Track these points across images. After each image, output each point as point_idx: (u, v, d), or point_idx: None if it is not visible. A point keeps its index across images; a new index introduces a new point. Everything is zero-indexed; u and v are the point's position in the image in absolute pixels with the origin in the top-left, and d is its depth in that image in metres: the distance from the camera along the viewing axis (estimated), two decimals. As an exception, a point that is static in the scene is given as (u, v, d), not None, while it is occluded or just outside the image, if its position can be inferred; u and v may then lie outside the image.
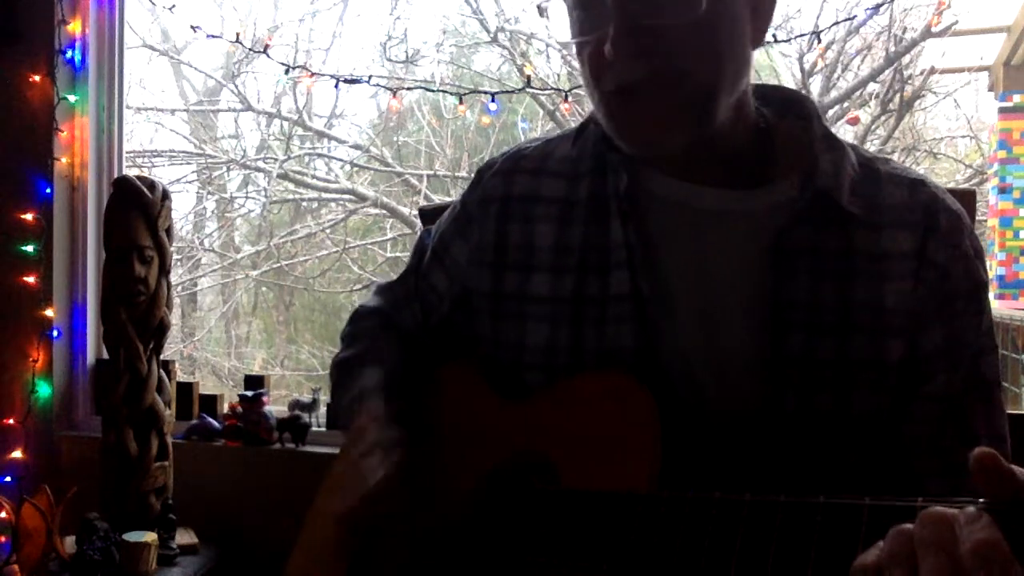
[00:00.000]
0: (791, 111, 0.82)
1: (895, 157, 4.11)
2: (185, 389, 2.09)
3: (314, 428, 1.95)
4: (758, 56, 0.80)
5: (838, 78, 4.15)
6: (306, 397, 1.97)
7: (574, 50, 0.78)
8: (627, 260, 0.77)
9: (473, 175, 0.93)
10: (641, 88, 0.72)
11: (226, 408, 2.03)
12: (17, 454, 2.04)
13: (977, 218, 1.33)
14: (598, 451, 0.72)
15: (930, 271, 0.75)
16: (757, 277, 0.75)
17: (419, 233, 1.01)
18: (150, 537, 1.63)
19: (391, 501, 0.75)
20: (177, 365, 2.10)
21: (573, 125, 0.91)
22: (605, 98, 0.75)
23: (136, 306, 1.77)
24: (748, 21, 0.75)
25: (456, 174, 4.43)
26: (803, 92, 0.86)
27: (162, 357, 1.86)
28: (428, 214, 1.17)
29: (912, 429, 0.75)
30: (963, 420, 0.75)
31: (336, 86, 2.47)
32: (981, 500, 0.49)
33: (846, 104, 4.09)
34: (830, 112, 4.02)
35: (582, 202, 0.82)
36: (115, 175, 2.11)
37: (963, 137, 4.63)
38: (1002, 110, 3.63)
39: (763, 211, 0.76)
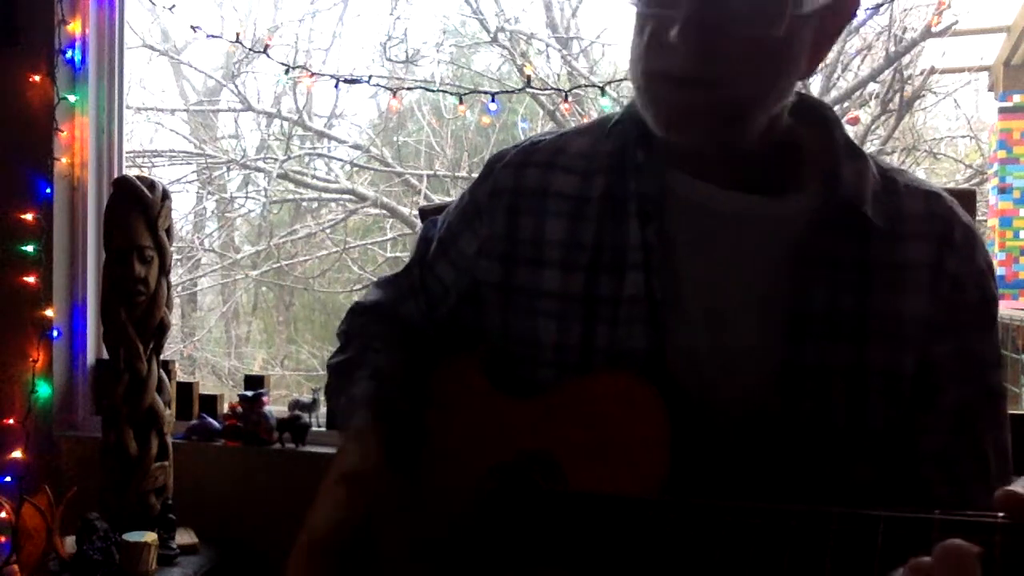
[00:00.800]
0: (814, 119, 0.82)
1: (895, 157, 4.12)
2: (185, 389, 2.09)
3: (314, 428, 1.95)
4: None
5: (838, 78, 4.15)
6: (306, 397, 1.97)
7: (634, 12, 0.76)
8: (643, 261, 0.77)
9: (474, 173, 0.92)
10: (687, 82, 0.71)
11: (226, 408, 2.03)
12: (17, 454, 2.04)
13: (977, 218, 1.33)
14: (606, 453, 0.72)
15: (944, 283, 0.75)
16: (775, 283, 0.75)
17: (424, 224, 1.00)
18: (150, 537, 1.63)
19: (352, 535, 0.74)
20: (177, 365, 2.11)
21: (573, 125, 0.90)
22: (649, 75, 0.74)
23: (136, 306, 1.78)
24: (806, 54, 0.74)
25: (456, 174, 4.43)
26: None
27: (162, 357, 1.86)
28: (428, 214, 1.17)
29: (921, 439, 0.75)
30: (970, 431, 0.76)
31: (336, 86, 2.47)
32: (1000, 515, 0.49)
33: (846, 104, 4.08)
34: (830, 112, 4.01)
35: (595, 199, 0.82)
36: (115, 175, 2.11)
37: (963, 137, 4.63)
38: (1002, 110, 3.62)
39: (784, 218, 0.76)
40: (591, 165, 0.84)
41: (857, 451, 0.74)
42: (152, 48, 4.58)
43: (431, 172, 4.45)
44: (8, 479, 2.03)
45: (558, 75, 4.27)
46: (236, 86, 4.59)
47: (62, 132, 2.06)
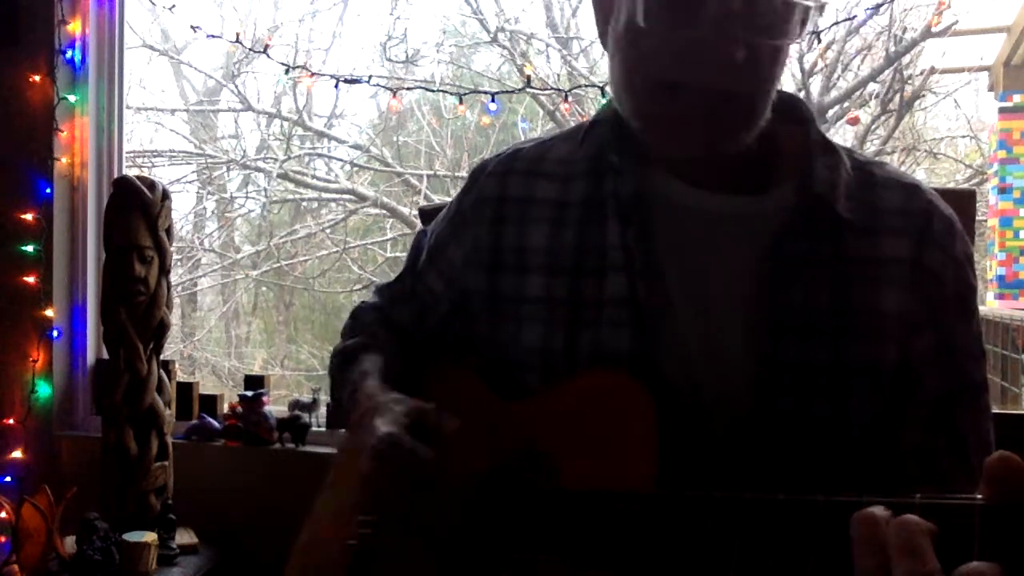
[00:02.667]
0: (789, 115, 0.82)
1: (895, 157, 4.11)
2: (185, 389, 2.09)
3: (314, 428, 1.95)
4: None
5: (838, 78, 4.14)
6: (306, 397, 1.97)
7: (615, 30, 0.75)
8: (624, 263, 0.77)
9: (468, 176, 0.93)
10: (706, 95, 0.71)
11: (226, 408, 2.03)
12: (17, 454, 2.05)
13: (977, 218, 1.33)
14: (597, 450, 0.72)
15: (923, 276, 0.75)
16: (754, 282, 0.75)
17: (416, 234, 1.01)
18: (150, 537, 1.63)
19: (414, 436, 0.73)
20: (177, 365, 2.11)
21: (573, 125, 0.91)
22: (653, 89, 0.73)
23: (136, 306, 1.78)
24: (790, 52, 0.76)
25: (456, 174, 4.42)
26: (798, 94, 0.86)
27: (162, 357, 1.86)
28: (428, 214, 1.17)
29: (902, 432, 0.75)
30: (951, 424, 0.76)
31: (336, 86, 2.47)
32: (979, 496, 0.49)
33: (846, 104, 4.08)
34: (830, 112, 4.02)
35: (576, 204, 0.82)
36: (115, 175, 2.11)
37: (963, 137, 4.63)
38: (1002, 110, 3.62)
39: (761, 216, 0.77)
40: (570, 170, 0.84)
41: (840, 447, 0.74)
42: (152, 48, 4.58)
43: (431, 172, 4.45)
44: (8, 479, 2.03)
45: (558, 75, 4.27)
46: (236, 86, 4.58)
47: (62, 132, 2.06)
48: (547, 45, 4.42)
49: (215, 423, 2.00)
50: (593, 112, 0.91)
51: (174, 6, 2.28)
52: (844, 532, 0.55)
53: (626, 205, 0.79)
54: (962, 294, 0.77)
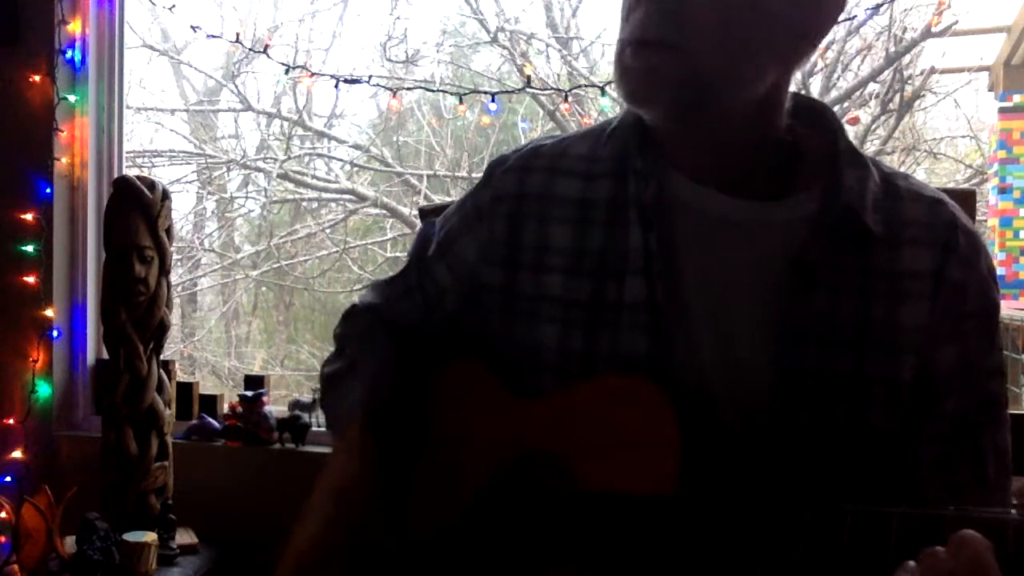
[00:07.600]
0: (817, 123, 0.81)
1: (895, 157, 4.11)
2: (185, 389, 2.09)
3: (314, 428, 1.95)
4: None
5: (838, 78, 4.14)
6: (306, 397, 1.97)
7: None
8: (644, 267, 0.77)
9: (475, 173, 0.93)
10: (648, 45, 0.72)
11: (226, 408, 2.03)
12: (17, 454, 2.04)
13: (977, 218, 1.33)
14: (616, 454, 0.72)
15: (947, 290, 0.75)
16: (775, 289, 0.74)
17: (422, 224, 0.99)
18: (150, 537, 1.63)
19: (329, 551, 0.74)
20: (177, 365, 2.11)
21: (573, 125, 0.91)
22: (618, 47, 0.75)
23: (136, 306, 1.78)
24: (784, 34, 0.74)
25: (456, 174, 4.42)
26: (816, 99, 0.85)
27: (162, 357, 1.86)
28: (428, 214, 1.17)
29: (921, 446, 0.75)
30: (971, 440, 0.76)
31: (336, 86, 2.47)
32: (1014, 511, 0.49)
33: (846, 104, 4.08)
34: (830, 112, 4.01)
35: (600, 204, 0.82)
36: (115, 175, 2.11)
37: (963, 137, 4.62)
38: (1002, 110, 3.62)
39: (784, 224, 0.76)
40: (592, 169, 0.84)
41: (857, 456, 0.74)
42: (152, 48, 4.58)
43: (431, 172, 4.44)
44: (8, 479, 2.03)
45: (558, 75, 4.27)
46: (236, 86, 4.58)
47: (62, 132, 2.06)
48: (547, 45, 4.42)
49: (215, 423, 2.00)
50: (593, 112, 0.91)
51: (174, 6, 2.28)
52: (875, 540, 0.55)
53: (648, 209, 0.78)
54: (986, 309, 0.77)
